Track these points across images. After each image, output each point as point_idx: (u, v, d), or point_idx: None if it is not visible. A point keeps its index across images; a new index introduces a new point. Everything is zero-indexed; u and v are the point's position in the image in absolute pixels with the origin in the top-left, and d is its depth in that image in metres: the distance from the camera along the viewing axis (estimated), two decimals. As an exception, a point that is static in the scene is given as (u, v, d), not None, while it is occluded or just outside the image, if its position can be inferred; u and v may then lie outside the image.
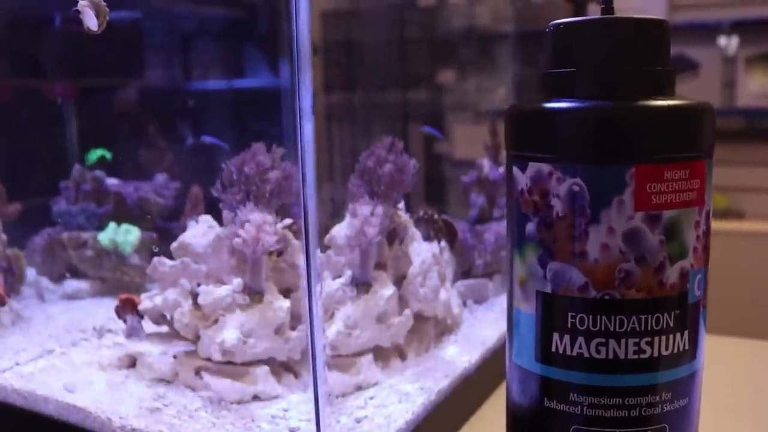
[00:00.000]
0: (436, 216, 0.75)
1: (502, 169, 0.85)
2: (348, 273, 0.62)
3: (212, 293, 0.62)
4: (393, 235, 0.63)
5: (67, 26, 1.07)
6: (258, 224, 0.61)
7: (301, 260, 0.67)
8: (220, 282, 0.67)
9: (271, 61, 1.19)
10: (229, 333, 0.61)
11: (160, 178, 1.00)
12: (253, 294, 0.63)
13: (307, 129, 0.44)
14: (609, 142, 0.44)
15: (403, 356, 0.63)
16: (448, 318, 0.68)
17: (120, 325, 0.81)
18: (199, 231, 0.71)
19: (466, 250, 0.73)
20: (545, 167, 0.46)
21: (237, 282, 0.63)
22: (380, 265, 0.63)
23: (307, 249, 0.45)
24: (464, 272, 0.75)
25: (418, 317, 0.64)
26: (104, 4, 0.54)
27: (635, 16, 0.47)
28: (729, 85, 2.49)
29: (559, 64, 0.48)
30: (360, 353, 0.59)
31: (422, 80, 1.96)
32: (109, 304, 0.91)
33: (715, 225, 1.02)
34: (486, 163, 0.83)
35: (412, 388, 0.60)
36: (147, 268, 0.92)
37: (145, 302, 0.70)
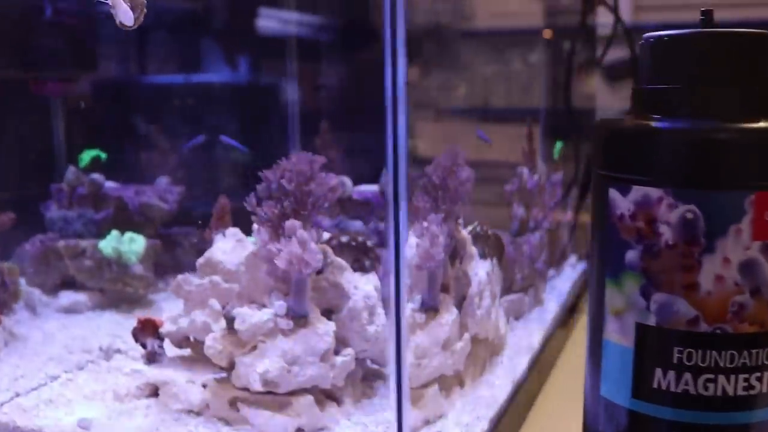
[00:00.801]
0: (489, 231, 0.71)
1: (536, 178, 0.82)
2: (417, 298, 0.58)
3: (252, 317, 0.57)
4: (454, 254, 0.59)
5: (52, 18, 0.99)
6: (304, 242, 0.55)
7: (342, 278, 0.62)
8: (254, 303, 0.61)
9: (228, 55, 1.13)
10: (273, 362, 0.55)
11: (163, 181, 0.93)
12: (297, 317, 0.58)
13: (401, 131, 0.39)
14: (728, 167, 0.41)
15: (462, 383, 0.59)
16: (497, 339, 0.64)
17: (130, 344, 0.75)
18: (228, 246, 0.65)
19: (509, 265, 0.69)
20: (654, 192, 0.42)
21: (279, 305, 0.57)
22: (443, 287, 0.58)
23: (397, 265, 0.40)
24: (506, 288, 0.71)
25: (474, 340, 0.60)
26: None
27: (739, 30, 0.43)
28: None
29: (659, 80, 0.45)
30: (427, 384, 0.55)
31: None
32: (111, 319, 0.85)
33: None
34: (525, 172, 0.79)
35: (471, 418, 0.56)
36: (151, 278, 0.87)
37: (167, 325, 0.64)
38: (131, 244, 0.82)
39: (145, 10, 0.47)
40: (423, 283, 0.57)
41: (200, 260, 0.65)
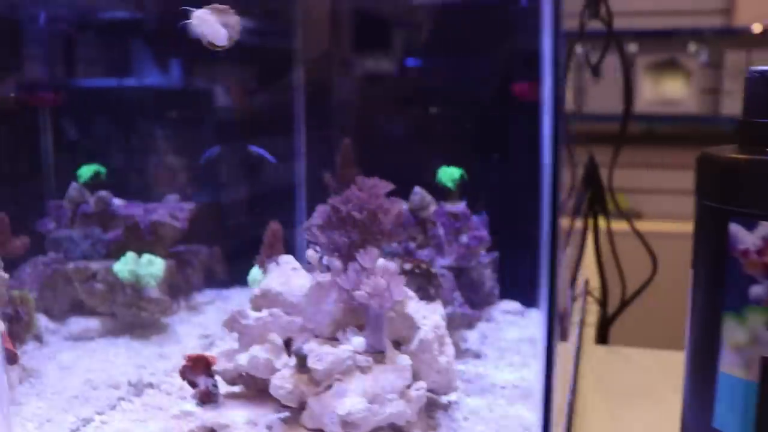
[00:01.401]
0: (431, 268, 0.68)
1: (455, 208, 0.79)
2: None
3: (329, 355, 0.53)
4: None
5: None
6: (390, 274, 0.53)
7: (410, 308, 0.59)
8: (318, 337, 0.58)
9: (161, 60, 1.07)
10: (354, 402, 0.52)
11: (172, 198, 0.88)
12: (375, 353, 0.55)
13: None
14: None
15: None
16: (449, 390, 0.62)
17: (160, 376, 0.70)
18: (284, 276, 0.61)
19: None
20: (787, 229, 0.41)
21: (358, 341, 0.54)
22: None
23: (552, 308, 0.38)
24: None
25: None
26: (233, 11, 0.44)
27: None
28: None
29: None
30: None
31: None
32: (128, 346, 0.79)
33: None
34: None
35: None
36: (167, 302, 0.82)
37: (222, 362, 0.60)
38: (150, 267, 0.76)
39: (239, 27, 0.43)
40: (369, 323, 0.54)
41: (255, 291, 0.61)
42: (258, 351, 0.58)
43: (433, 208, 0.81)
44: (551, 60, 0.37)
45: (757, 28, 2.06)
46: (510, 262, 0.87)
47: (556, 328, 0.39)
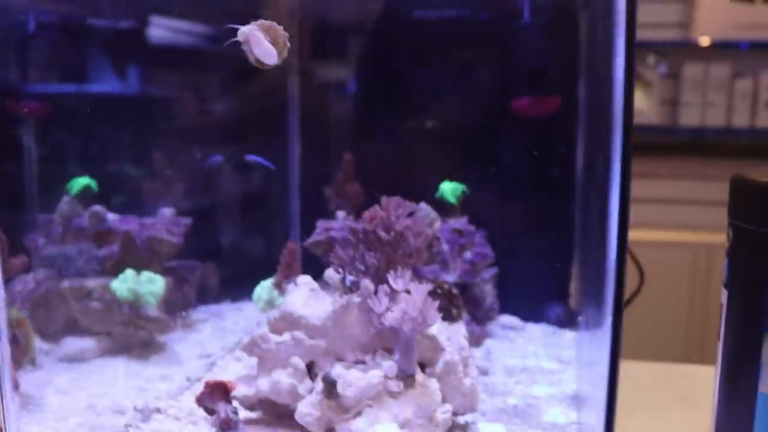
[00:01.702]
0: (453, 289, 0.69)
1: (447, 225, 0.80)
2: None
3: (359, 381, 0.53)
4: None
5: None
6: (423, 297, 0.52)
7: (434, 329, 0.59)
8: (342, 360, 0.57)
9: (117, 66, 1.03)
10: (387, 428, 0.52)
11: (167, 212, 0.85)
12: (406, 377, 0.54)
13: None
14: None
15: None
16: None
17: (167, 400, 0.68)
18: (303, 297, 0.60)
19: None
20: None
21: (389, 365, 0.53)
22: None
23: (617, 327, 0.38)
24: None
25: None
26: (281, 27, 0.43)
27: None
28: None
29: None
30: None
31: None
32: (126, 367, 0.77)
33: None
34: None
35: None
36: (167, 320, 0.80)
37: (241, 387, 0.58)
38: (150, 285, 0.74)
39: (288, 44, 0.42)
40: (400, 347, 0.53)
41: (274, 314, 0.59)
42: (281, 376, 0.57)
43: (438, 224, 0.81)
44: (624, 80, 0.38)
45: (704, 41, 2.13)
46: (507, 276, 0.88)
47: (620, 349, 0.40)
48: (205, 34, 0.98)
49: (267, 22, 0.44)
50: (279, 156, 1.04)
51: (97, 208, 0.80)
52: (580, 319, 0.76)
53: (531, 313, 0.87)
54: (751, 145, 2.10)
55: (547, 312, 0.86)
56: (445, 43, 0.85)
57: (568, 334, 0.85)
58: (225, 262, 0.96)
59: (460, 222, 0.82)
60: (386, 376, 0.53)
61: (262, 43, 0.42)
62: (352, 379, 0.53)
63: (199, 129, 0.99)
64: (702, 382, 0.63)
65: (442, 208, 0.86)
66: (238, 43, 0.42)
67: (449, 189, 0.84)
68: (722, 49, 2.14)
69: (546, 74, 0.83)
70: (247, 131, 0.99)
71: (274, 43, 0.43)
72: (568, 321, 0.84)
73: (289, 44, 0.43)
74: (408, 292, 0.53)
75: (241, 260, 1.01)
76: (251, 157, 0.86)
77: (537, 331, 0.88)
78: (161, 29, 0.96)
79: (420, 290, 0.53)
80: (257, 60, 0.43)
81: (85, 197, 0.83)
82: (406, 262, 0.55)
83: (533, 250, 0.86)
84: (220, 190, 0.95)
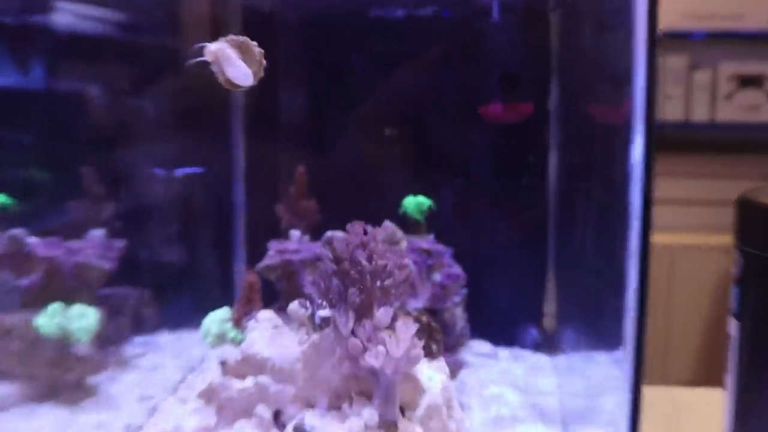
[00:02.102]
0: (432, 322, 0.63)
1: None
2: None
3: (337, 433, 0.45)
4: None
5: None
6: (410, 335, 0.45)
7: (415, 368, 0.52)
8: (313, 407, 0.50)
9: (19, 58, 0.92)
10: (370, 488, 0.45)
11: (96, 234, 0.75)
12: (387, 425, 0.47)
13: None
14: None
15: None
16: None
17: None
18: (266, 335, 0.52)
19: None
20: None
21: (369, 413, 0.46)
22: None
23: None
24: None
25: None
26: (254, 43, 0.36)
27: None
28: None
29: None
30: None
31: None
32: (54, 415, 0.67)
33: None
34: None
35: None
36: (100, 360, 0.70)
37: (199, 442, 0.50)
38: (82, 320, 0.64)
39: (265, 62, 0.35)
40: (380, 391, 0.48)
41: (234, 356, 0.51)
42: (244, 427, 0.49)
43: (404, 244, 0.74)
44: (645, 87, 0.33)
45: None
46: (476, 297, 0.82)
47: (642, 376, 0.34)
48: (124, 22, 0.88)
49: (239, 38, 0.37)
50: (220, 167, 0.95)
51: (16, 231, 0.70)
52: (560, 342, 0.72)
53: (503, 337, 0.82)
54: (711, 140, 2.02)
55: (521, 335, 0.81)
56: (407, 42, 0.79)
57: (545, 360, 0.79)
58: (161, 287, 0.87)
59: (427, 240, 0.76)
60: (366, 426, 0.46)
61: (233, 62, 0.35)
62: (329, 431, 0.45)
63: (126, 133, 0.89)
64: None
65: (406, 224, 0.79)
66: (205, 63, 0.35)
67: (414, 204, 0.78)
68: (677, 39, 2.02)
69: (519, 79, 0.78)
70: (180, 134, 0.90)
71: (247, 61, 0.36)
72: (544, 344, 0.79)
73: (265, 62, 0.36)
74: (391, 329, 0.47)
75: (179, 285, 0.91)
76: (180, 171, 0.78)
77: (511, 357, 0.82)
78: (70, 16, 0.85)
79: (407, 328, 0.46)
80: (228, 81, 0.36)
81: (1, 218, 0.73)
82: (391, 295, 0.49)
83: (504, 267, 0.80)
84: (156, 207, 0.85)
